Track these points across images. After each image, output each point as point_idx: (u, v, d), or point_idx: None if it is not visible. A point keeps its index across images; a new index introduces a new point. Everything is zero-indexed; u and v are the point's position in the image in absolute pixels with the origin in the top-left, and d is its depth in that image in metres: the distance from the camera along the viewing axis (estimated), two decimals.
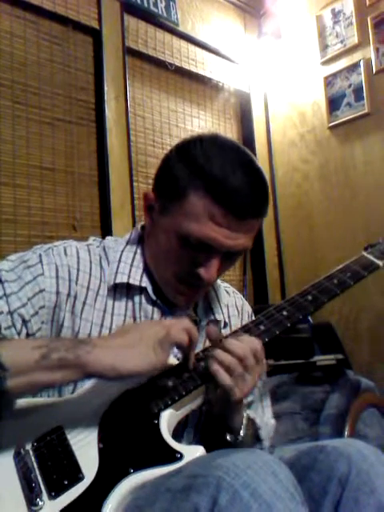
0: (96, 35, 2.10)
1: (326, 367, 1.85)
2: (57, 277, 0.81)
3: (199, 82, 2.56)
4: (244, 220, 0.77)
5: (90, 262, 0.85)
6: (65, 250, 0.84)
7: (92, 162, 2.06)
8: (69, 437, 0.71)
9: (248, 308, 1.03)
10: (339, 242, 2.41)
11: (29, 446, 0.70)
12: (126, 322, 0.84)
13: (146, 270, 0.87)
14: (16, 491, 0.65)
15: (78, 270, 0.83)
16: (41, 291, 0.79)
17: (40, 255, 0.82)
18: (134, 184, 2.14)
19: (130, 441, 0.71)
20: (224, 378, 0.72)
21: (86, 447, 0.70)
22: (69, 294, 0.81)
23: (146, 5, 2.25)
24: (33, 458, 0.69)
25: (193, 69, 2.48)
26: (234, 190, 0.75)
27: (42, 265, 0.81)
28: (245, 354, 0.73)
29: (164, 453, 0.69)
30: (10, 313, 0.75)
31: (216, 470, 0.59)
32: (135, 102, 2.24)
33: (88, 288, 0.83)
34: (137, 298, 0.86)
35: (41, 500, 0.63)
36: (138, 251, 0.88)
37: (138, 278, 0.85)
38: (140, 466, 0.66)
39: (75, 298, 0.81)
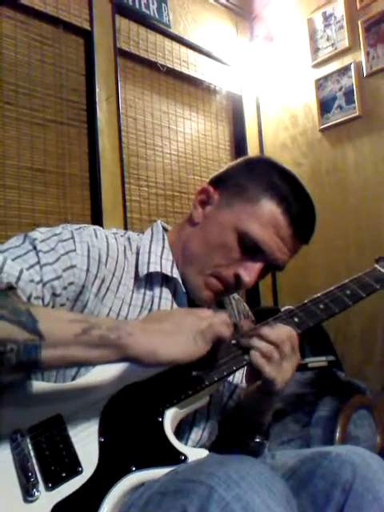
0: (87, 36, 2.09)
1: (317, 369, 1.85)
2: (88, 256, 0.79)
3: (191, 84, 2.56)
4: (297, 239, 0.85)
5: (117, 250, 0.85)
6: (95, 233, 0.83)
7: (83, 163, 2.05)
8: (68, 427, 0.69)
9: (253, 317, 1.05)
10: (331, 244, 2.42)
11: (25, 433, 0.67)
12: (142, 315, 0.83)
13: (175, 263, 0.87)
14: (11, 478, 0.63)
15: (107, 254, 0.82)
16: (72, 267, 0.77)
17: (71, 232, 0.81)
18: (126, 186, 2.13)
19: (131, 437, 0.68)
20: (267, 369, 0.73)
21: (85, 439, 0.68)
22: (96, 276, 0.79)
23: (137, 6, 2.24)
24: (30, 446, 0.66)
25: (185, 71, 2.48)
26: (301, 211, 0.84)
27: (74, 241, 0.79)
28: (280, 340, 0.74)
29: (168, 453, 0.67)
30: (43, 283, 0.73)
31: (208, 478, 0.57)
32: (127, 103, 2.23)
33: (113, 274, 0.82)
34: (157, 292, 0.85)
35: (37, 491, 0.61)
36: (166, 245, 0.89)
37: (169, 269, 0.86)
38: (142, 465, 0.65)
39: (102, 281, 0.80)
